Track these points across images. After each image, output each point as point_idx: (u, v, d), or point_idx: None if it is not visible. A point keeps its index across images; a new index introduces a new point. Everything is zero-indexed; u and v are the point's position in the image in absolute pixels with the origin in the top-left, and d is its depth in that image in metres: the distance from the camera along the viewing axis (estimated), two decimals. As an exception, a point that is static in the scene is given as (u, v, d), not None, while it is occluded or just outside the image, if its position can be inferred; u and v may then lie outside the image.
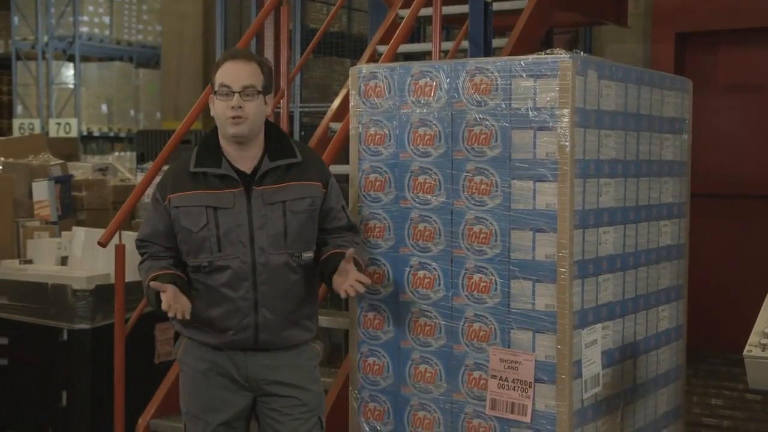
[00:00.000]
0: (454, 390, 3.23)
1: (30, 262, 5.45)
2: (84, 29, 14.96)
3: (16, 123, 15.28)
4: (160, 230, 3.11)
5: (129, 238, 4.57)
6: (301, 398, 3.10)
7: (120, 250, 4.33)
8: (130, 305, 4.51)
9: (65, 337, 4.77)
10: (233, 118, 2.99)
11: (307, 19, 8.01)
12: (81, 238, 5.22)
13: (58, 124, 14.72)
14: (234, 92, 2.99)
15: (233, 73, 3.01)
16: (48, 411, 4.84)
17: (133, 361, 4.43)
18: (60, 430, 4.83)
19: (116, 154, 14.44)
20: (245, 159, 3.06)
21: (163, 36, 12.25)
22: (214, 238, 3.00)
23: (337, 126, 4.97)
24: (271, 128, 3.15)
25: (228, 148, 3.07)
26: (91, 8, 15.00)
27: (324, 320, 4.55)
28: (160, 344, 5.06)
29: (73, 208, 6.81)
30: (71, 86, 15.30)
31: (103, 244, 4.36)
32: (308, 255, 3.09)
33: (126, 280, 4.35)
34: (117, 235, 4.32)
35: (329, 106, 5.60)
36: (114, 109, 15.46)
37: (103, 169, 8.61)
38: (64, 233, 5.73)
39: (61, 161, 7.45)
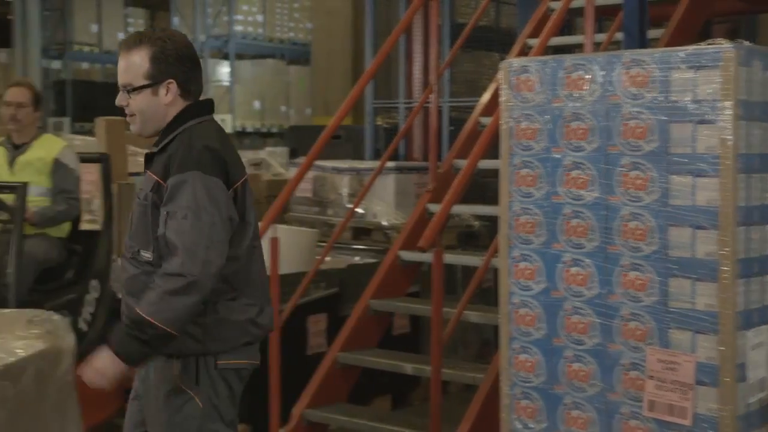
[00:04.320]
0: (609, 389, 3.16)
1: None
2: (238, 28, 15.46)
3: (174, 120, 15.92)
4: None
5: (283, 231, 4.70)
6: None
7: (274, 242, 4.45)
8: (285, 297, 4.63)
9: (222, 327, 4.92)
10: (128, 116, 2.80)
11: (456, 14, 8.00)
12: (237, 231, 5.38)
13: (214, 120, 15.25)
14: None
15: (118, 68, 2.78)
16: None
17: (286, 352, 4.55)
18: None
19: (268, 149, 14.84)
20: None
21: (314, 33, 12.49)
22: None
23: (486, 120, 4.95)
24: (179, 115, 2.77)
25: None
26: (245, 7, 15.47)
27: (473, 315, 4.56)
28: (312, 336, 5.17)
29: (228, 202, 7.02)
30: (226, 84, 15.82)
31: (258, 237, 4.49)
32: (145, 255, 2.71)
33: (280, 272, 4.47)
34: (271, 228, 4.44)
35: (477, 101, 5.58)
36: (266, 106, 15.91)
37: (256, 164, 8.88)
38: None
39: (218, 157, 7.69)
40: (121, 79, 2.75)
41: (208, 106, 2.86)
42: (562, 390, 3.28)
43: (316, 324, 5.19)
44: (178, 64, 2.74)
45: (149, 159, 2.79)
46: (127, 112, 2.78)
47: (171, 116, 2.76)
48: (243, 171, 2.78)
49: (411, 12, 5.17)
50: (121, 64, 2.75)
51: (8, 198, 4.38)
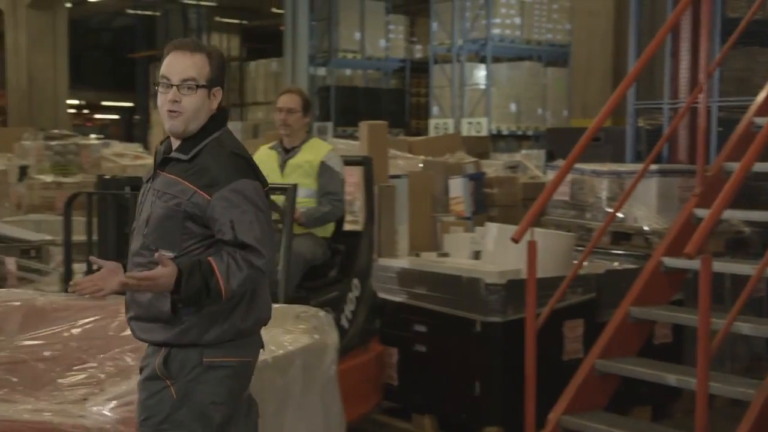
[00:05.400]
0: None
1: (446, 255, 5.73)
2: (496, 31, 15.52)
3: (431, 123, 16.27)
4: None
5: (540, 235, 4.64)
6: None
7: (532, 246, 4.41)
8: (541, 301, 4.57)
9: (478, 328, 4.94)
10: (169, 111, 2.81)
11: (727, 9, 7.56)
12: (493, 233, 5.39)
13: (470, 123, 15.43)
14: (172, 85, 2.81)
15: (173, 65, 2.83)
16: (462, 399, 5.04)
17: (542, 356, 4.49)
18: (473, 418, 5.01)
19: (524, 151, 14.79)
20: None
21: (573, 34, 12.31)
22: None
23: (762, 121, 4.66)
24: (209, 122, 2.88)
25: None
26: (503, 10, 15.51)
27: (745, 327, 4.30)
28: (568, 342, 5.07)
29: (485, 205, 7.07)
30: (482, 87, 15.94)
31: (516, 240, 4.47)
32: (164, 254, 2.75)
33: (537, 275, 4.41)
34: (528, 231, 4.40)
35: (750, 100, 5.25)
36: (522, 108, 15.87)
37: (513, 167, 8.86)
38: (477, 228, 5.96)
39: (475, 159, 7.77)
40: (185, 74, 2.81)
41: (227, 116, 2.96)
42: None
43: (573, 329, 5.08)
44: (224, 76, 2.92)
45: (165, 162, 2.86)
46: (172, 108, 2.82)
47: (204, 122, 2.86)
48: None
49: (680, 8, 4.96)
50: (184, 60, 2.82)
51: (279, 199, 4.62)
